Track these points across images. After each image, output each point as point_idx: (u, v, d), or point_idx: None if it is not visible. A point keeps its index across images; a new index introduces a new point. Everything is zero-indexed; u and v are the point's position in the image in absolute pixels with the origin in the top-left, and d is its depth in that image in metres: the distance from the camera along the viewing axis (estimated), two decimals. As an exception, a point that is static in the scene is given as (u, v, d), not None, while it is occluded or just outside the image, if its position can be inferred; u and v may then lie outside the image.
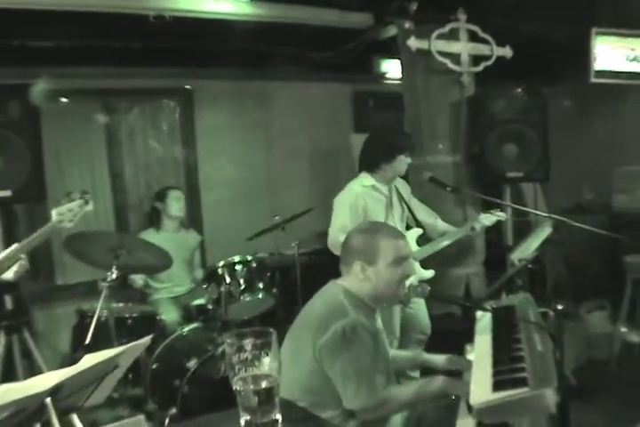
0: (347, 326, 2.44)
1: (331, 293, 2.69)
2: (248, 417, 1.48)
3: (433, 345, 4.30)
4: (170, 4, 4.60)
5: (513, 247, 4.60)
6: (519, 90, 5.47)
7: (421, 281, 4.14)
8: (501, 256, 5.05)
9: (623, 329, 5.05)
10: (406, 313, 4.35)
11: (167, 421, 3.81)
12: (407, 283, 2.71)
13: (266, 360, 1.49)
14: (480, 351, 2.48)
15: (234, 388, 1.47)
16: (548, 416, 2.02)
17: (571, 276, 5.81)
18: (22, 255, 3.10)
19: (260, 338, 1.49)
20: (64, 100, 5.44)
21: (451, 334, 3.80)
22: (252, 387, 1.46)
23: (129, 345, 2.08)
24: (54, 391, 1.77)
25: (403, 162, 4.22)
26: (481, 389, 2.08)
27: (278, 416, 1.49)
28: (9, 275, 3.12)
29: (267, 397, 1.48)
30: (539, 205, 6.56)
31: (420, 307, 4.41)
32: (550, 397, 1.87)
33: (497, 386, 2.04)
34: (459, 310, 5.16)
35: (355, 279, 2.65)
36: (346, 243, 2.74)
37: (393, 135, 4.40)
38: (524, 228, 5.60)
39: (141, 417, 1.26)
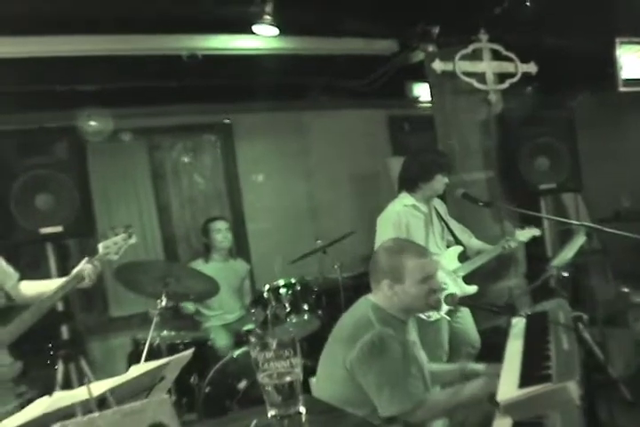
0: (374, 337, 2.51)
1: (360, 308, 2.78)
2: (274, 411, 1.62)
3: (482, 359, 4.33)
4: (200, 44, 4.84)
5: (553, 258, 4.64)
6: (546, 104, 5.53)
7: (466, 296, 4.25)
8: (543, 268, 5.07)
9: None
10: (454, 328, 4.38)
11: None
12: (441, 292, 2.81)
13: (288, 357, 1.62)
14: (511, 354, 2.56)
15: (260, 383, 1.61)
16: (579, 414, 2.08)
17: (617, 284, 5.78)
18: (84, 264, 3.25)
19: (282, 337, 1.63)
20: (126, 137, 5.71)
21: (499, 347, 3.84)
22: (276, 382, 1.60)
23: (173, 357, 2.19)
24: (102, 400, 1.91)
25: (440, 181, 4.30)
26: (508, 386, 2.16)
27: (302, 409, 1.62)
28: (84, 283, 3.26)
29: (290, 391, 1.61)
30: (580, 214, 6.55)
31: (467, 321, 4.45)
32: (573, 389, 1.93)
33: (523, 383, 2.12)
34: (507, 324, 5.18)
35: (384, 295, 2.72)
36: (373, 261, 2.83)
37: (430, 155, 4.50)
38: (566, 238, 5.62)
39: (166, 396, 1.38)
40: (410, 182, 4.37)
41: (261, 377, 1.61)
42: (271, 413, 1.62)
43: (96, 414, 1.16)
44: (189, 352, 2.30)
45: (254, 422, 1.46)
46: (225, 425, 1.49)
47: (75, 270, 3.25)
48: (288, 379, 1.60)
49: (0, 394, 2.83)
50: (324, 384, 2.71)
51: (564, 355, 2.27)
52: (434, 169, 4.29)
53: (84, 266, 3.24)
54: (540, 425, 1.98)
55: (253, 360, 1.64)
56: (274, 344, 1.61)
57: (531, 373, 2.19)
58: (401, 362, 2.52)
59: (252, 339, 1.56)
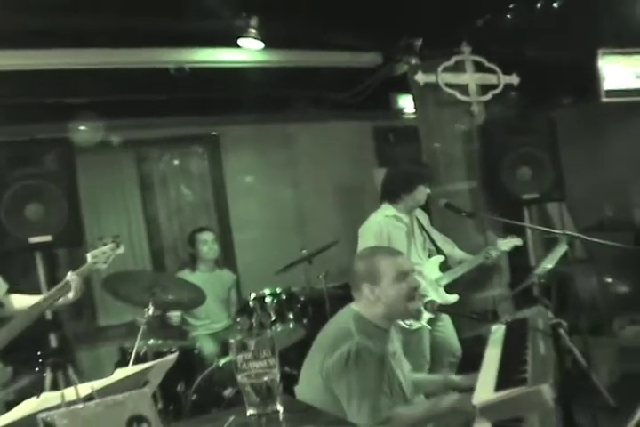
0: (351, 349, 2.53)
1: (342, 317, 2.82)
2: (253, 410, 1.68)
3: (464, 368, 4.37)
4: (188, 57, 4.93)
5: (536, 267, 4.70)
6: (528, 114, 5.62)
7: (447, 305, 4.30)
8: (526, 278, 5.13)
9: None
10: (435, 337, 4.44)
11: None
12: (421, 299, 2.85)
13: (266, 357, 1.69)
14: (489, 359, 2.61)
15: (239, 383, 1.68)
16: (557, 418, 2.13)
17: (602, 292, 5.85)
18: (71, 276, 3.26)
19: (259, 338, 1.69)
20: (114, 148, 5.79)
21: (481, 357, 3.87)
22: (254, 381, 1.66)
23: (157, 361, 2.23)
24: (89, 400, 1.96)
25: (422, 192, 4.37)
26: (484, 390, 2.21)
27: (279, 407, 1.68)
28: (68, 297, 3.27)
29: (268, 390, 1.68)
30: (565, 224, 6.63)
31: (448, 330, 4.50)
32: (547, 392, 1.98)
33: (499, 387, 2.17)
34: (488, 332, 5.23)
35: (366, 302, 2.77)
36: (352, 270, 2.88)
37: (411, 167, 4.57)
38: (551, 247, 5.70)
39: (146, 389, 1.43)
40: (392, 193, 4.43)
41: (240, 377, 1.67)
42: (250, 411, 1.69)
43: (80, 405, 1.22)
44: (173, 357, 2.35)
45: (230, 419, 1.52)
46: (204, 424, 1.55)
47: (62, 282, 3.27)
48: (265, 378, 1.66)
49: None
50: (305, 391, 2.74)
51: (540, 360, 2.31)
52: (415, 180, 4.36)
53: (70, 277, 3.26)
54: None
55: (233, 362, 1.70)
56: (252, 345, 1.68)
57: (507, 377, 2.23)
58: (374, 377, 2.55)
59: (232, 341, 1.61)
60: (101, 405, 1.24)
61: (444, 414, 2.61)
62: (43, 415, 1.14)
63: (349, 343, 2.56)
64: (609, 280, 5.11)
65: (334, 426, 1.54)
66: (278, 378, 1.69)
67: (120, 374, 2.10)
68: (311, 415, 1.78)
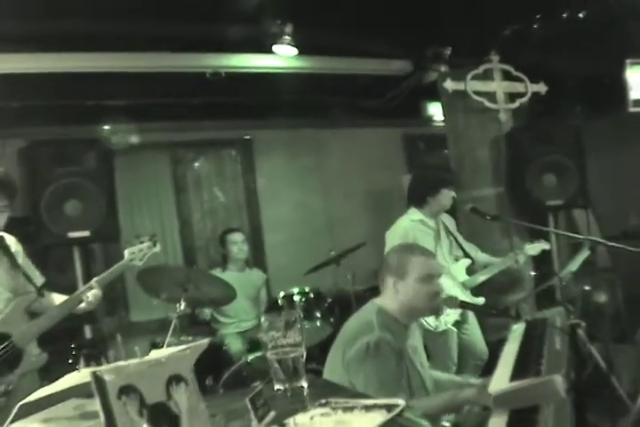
0: (371, 341, 2.57)
1: (365, 311, 2.87)
2: (279, 385, 1.82)
3: (490, 371, 4.41)
4: (224, 62, 5.08)
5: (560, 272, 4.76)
6: (555, 123, 5.68)
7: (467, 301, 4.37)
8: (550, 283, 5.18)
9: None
10: (462, 339, 4.49)
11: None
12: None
13: (293, 336, 1.82)
14: (507, 354, 2.70)
15: (268, 360, 1.81)
16: (571, 414, 2.22)
17: (625, 300, 5.87)
18: (94, 284, 3.31)
19: (288, 317, 1.83)
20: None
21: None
22: (282, 357, 1.80)
23: (191, 344, 2.34)
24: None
25: (447, 195, 4.45)
26: (500, 381, 2.31)
27: (304, 384, 1.81)
28: (83, 305, 3.28)
29: (294, 366, 1.81)
30: (592, 231, 6.65)
31: (474, 333, 4.56)
32: (559, 382, 2.07)
33: (514, 378, 2.27)
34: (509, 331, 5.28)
35: (389, 296, 2.82)
36: (383, 262, 2.96)
37: (436, 171, 4.68)
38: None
39: (187, 352, 1.56)
40: (417, 197, 4.52)
41: (269, 354, 1.81)
42: (277, 386, 1.82)
43: (125, 362, 1.36)
44: (206, 341, 2.45)
45: (259, 386, 1.65)
46: (238, 398, 1.67)
47: (76, 292, 3.30)
48: (292, 355, 1.79)
49: (29, 384, 2.99)
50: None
51: (555, 354, 2.40)
52: (440, 184, 4.45)
53: (86, 289, 3.29)
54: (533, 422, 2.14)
55: (262, 341, 1.84)
56: (281, 324, 1.81)
57: (523, 369, 2.32)
58: (392, 370, 2.57)
59: (263, 319, 1.75)
60: (145, 363, 1.38)
61: (461, 405, 2.64)
62: (92, 370, 1.28)
63: (370, 336, 2.60)
64: (587, 288, 5.10)
65: (356, 398, 1.65)
66: (304, 356, 1.82)
67: (156, 355, 2.22)
68: (333, 390, 1.90)
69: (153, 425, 1.29)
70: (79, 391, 1.78)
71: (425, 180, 4.59)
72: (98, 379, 1.27)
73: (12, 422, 1.59)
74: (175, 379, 1.41)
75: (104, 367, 1.28)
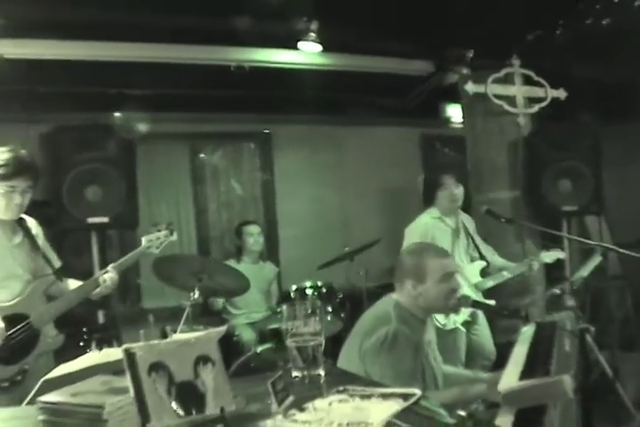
0: (388, 333, 2.61)
1: (382, 304, 2.91)
2: (298, 373, 1.87)
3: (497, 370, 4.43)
4: (248, 56, 5.14)
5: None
6: (573, 129, 5.69)
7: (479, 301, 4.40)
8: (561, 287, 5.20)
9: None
10: (471, 340, 4.54)
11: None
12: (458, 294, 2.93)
13: (313, 325, 1.87)
14: (516, 355, 2.74)
15: (287, 347, 1.87)
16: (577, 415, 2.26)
17: (635, 308, 5.89)
18: (111, 269, 3.35)
19: (309, 306, 1.88)
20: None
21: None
22: (301, 345, 1.85)
23: (209, 330, 2.37)
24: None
25: (450, 183, 4.55)
26: (509, 379, 2.35)
27: (322, 371, 1.87)
28: (99, 289, 3.30)
29: (313, 354, 1.86)
30: (604, 238, 6.65)
31: (484, 334, 4.60)
32: (567, 382, 2.11)
33: (523, 377, 2.31)
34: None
35: (407, 295, 2.84)
36: (398, 264, 2.97)
37: (441, 167, 4.74)
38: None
39: (214, 333, 1.63)
40: (428, 193, 4.64)
41: (289, 342, 1.86)
42: (295, 373, 1.87)
43: (156, 341, 1.42)
44: (223, 328, 2.51)
45: (279, 373, 1.70)
46: (260, 383, 1.72)
47: (94, 276, 3.36)
48: (312, 344, 1.84)
49: (44, 364, 3.04)
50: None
51: (564, 355, 2.44)
52: (443, 178, 4.56)
53: (103, 274, 3.33)
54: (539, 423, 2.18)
55: (284, 330, 1.89)
56: (302, 313, 1.86)
57: (532, 369, 2.37)
58: (408, 362, 2.61)
59: (284, 308, 1.81)
60: (174, 343, 1.44)
61: (471, 400, 2.64)
62: (125, 347, 1.33)
63: (388, 327, 2.64)
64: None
65: (371, 386, 1.70)
66: (323, 344, 1.87)
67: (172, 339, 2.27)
68: (350, 379, 1.95)
69: (180, 403, 1.34)
70: (100, 370, 1.85)
71: (432, 175, 4.74)
72: (129, 354, 1.32)
73: (35, 396, 1.65)
74: (203, 359, 1.47)
75: (137, 345, 1.34)
